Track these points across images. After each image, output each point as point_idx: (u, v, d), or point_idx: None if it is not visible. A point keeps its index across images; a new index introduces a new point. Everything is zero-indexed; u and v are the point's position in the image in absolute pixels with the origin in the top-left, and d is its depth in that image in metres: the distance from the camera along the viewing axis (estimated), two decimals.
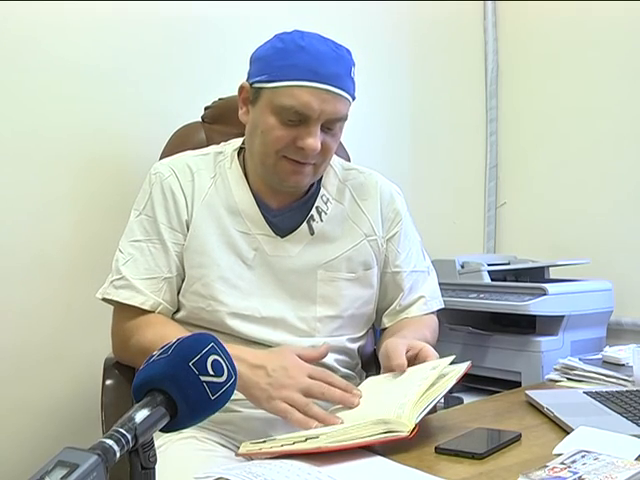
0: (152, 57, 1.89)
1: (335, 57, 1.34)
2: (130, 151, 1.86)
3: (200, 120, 1.81)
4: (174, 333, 1.29)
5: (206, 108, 1.81)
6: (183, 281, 1.41)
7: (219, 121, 1.76)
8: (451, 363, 1.24)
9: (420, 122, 2.50)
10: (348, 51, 1.38)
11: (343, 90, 1.34)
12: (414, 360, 1.28)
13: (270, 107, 1.34)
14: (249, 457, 1.14)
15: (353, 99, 1.38)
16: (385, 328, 1.53)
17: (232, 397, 0.81)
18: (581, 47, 2.31)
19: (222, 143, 1.52)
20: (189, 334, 0.82)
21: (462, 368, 1.22)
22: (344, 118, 1.37)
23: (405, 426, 1.06)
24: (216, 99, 1.81)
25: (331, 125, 1.35)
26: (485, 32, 2.52)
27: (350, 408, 1.19)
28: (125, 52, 1.84)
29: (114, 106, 1.83)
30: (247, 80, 1.40)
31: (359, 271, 1.47)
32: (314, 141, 1.32)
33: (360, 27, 2.29)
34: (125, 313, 1.40)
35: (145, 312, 1.38)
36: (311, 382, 1.21)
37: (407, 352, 1.28)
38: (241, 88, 1.41)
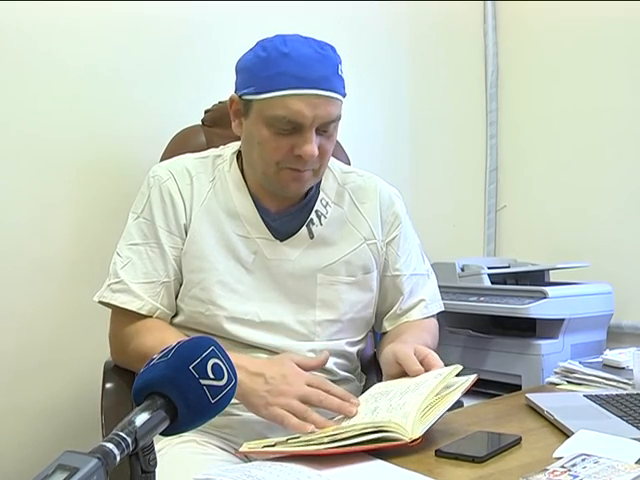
0: (152, 60, 1.90)
1: (320, 59, 1.32)
2: (130, 154, 1.86)
3: (200, 123, 1.81)
4: (173, 338, 1.28)
5: (206, 111, 1.81)
6: (181, 285, 1.41)
7: (219, 124, 1.76)
8: (457, 375, 1.22)
9: (420, 125, 2.50)
10: (333, 48, 1.36)
11: (332, 91, 1.32)
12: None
13: (262, 119, 1.32)
14: (249, 457, 1.14)
15: (344, 97, 1.36)
16: (385, 332, 1.53)
17: (232, 401, 0.81)
18: (581, 50, 2.31)
19: (221, 146, 1.52)
20: (189, 338, 0.82)
21: (468, 382, 1.21)
22: (338, 119, 1.36)
23: (406, 432, 1.05)
24: (216, 102, 1.81)
25: (325, 127, 1.34)
26: (485, 35, 2.52)
27: (349, 417, 1.18)
28: (125, 55, 1.85)
29: (114, 109, 1.83)
30: (235, 91, 1.38)
31: (358, 275, 1.46)
32: (311, 148, 1.31)
33: (359, 29, 2.29)
34: (123, 317, 1.39)
35: (143, 317, 1.38)
36: (309, 390, 1.20)
37: None
38: (231, 101, 1.39)
